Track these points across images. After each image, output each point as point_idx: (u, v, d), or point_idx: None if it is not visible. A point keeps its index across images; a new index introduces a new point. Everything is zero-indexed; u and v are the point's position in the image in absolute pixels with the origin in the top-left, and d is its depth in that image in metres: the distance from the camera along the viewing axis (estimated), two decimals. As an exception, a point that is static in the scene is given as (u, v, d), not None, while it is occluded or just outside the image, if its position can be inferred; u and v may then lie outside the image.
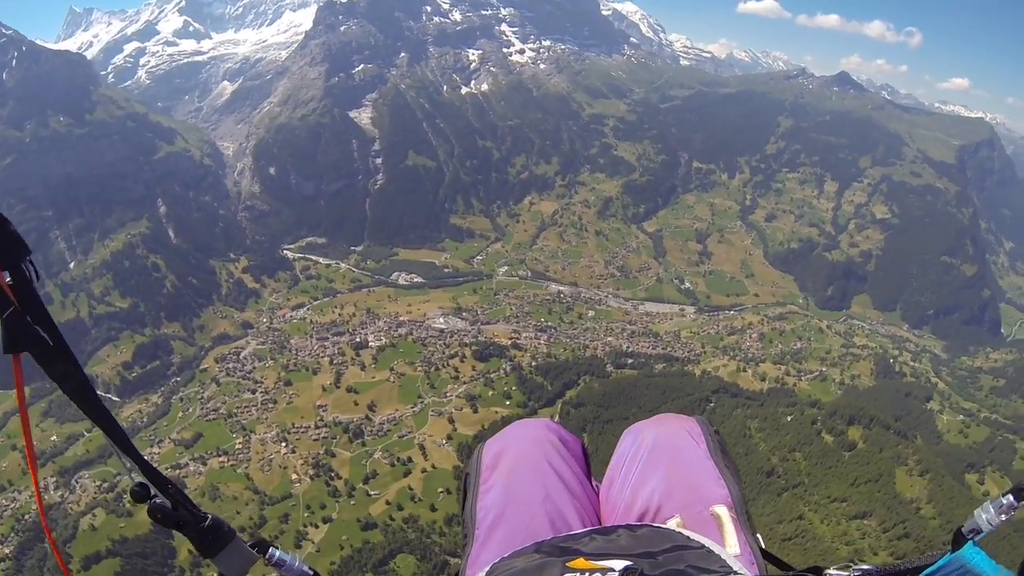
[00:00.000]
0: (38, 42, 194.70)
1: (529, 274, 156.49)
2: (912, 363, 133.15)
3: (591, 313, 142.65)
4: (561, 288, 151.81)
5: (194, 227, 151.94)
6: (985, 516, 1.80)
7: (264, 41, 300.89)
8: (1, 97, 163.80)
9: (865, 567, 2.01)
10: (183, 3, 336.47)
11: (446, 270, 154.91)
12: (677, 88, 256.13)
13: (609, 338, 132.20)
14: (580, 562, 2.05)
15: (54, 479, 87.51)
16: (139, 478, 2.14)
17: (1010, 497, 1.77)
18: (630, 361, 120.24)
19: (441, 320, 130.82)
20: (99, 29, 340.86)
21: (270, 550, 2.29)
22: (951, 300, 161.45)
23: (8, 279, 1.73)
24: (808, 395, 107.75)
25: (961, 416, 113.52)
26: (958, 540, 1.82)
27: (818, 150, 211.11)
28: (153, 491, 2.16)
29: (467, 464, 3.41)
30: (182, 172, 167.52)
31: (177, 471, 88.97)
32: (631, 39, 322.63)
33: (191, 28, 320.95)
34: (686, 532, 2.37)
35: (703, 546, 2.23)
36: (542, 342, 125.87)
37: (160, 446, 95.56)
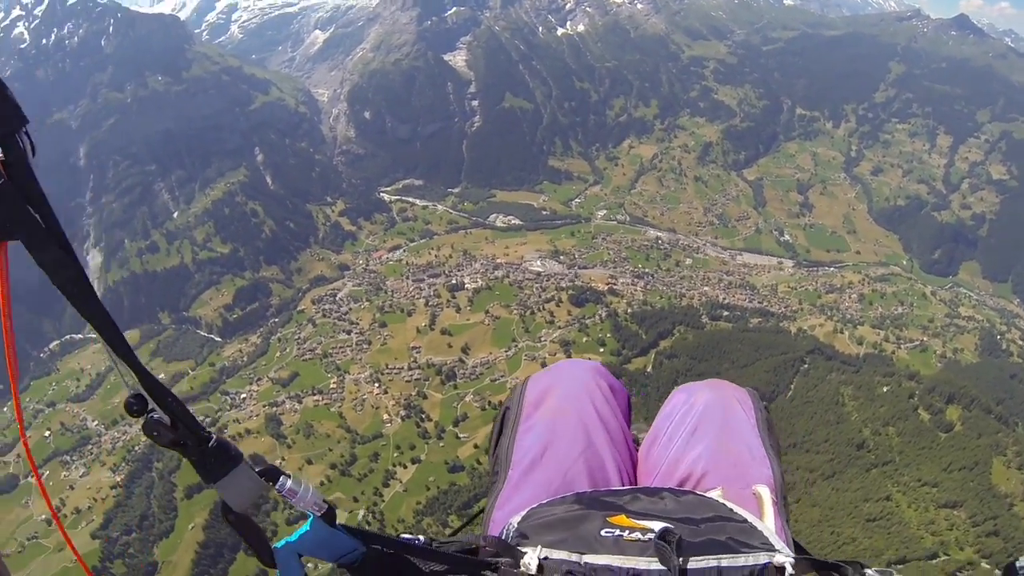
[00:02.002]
0: (133, 8, 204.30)
1: (627, 218, 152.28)
2: (1021, 342, 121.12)
3: (688, 261, 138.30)
4: (659, 234, 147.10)
5: (291, 173, 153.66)
6: None
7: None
8: (101, 63, 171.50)
9: None
10: None
11: (544, 212, 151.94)
12: (780, 29, 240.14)
13: (705, 288, 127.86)
14: (621, 518, 2.07)
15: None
16: (137, 389, 1.75)
17: None
18: (725, 313, 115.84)
19: (538, 263, 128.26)
20: None
21: (280, 479, 1.86)
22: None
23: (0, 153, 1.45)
24: (907, 365, 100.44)
25: None
26: (1010, 573, 1.76)
27: (932, 100, 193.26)
28: (151, 404, 1.75)
29: (508, 398, 3.25)
30: (277, 120, 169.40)
31: (274, 408, 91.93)
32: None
33: None
34: (730, 504, 2.36)
35: (746, 520, 2.22)
36: (639, 288, 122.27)
37: (258, 384, 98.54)
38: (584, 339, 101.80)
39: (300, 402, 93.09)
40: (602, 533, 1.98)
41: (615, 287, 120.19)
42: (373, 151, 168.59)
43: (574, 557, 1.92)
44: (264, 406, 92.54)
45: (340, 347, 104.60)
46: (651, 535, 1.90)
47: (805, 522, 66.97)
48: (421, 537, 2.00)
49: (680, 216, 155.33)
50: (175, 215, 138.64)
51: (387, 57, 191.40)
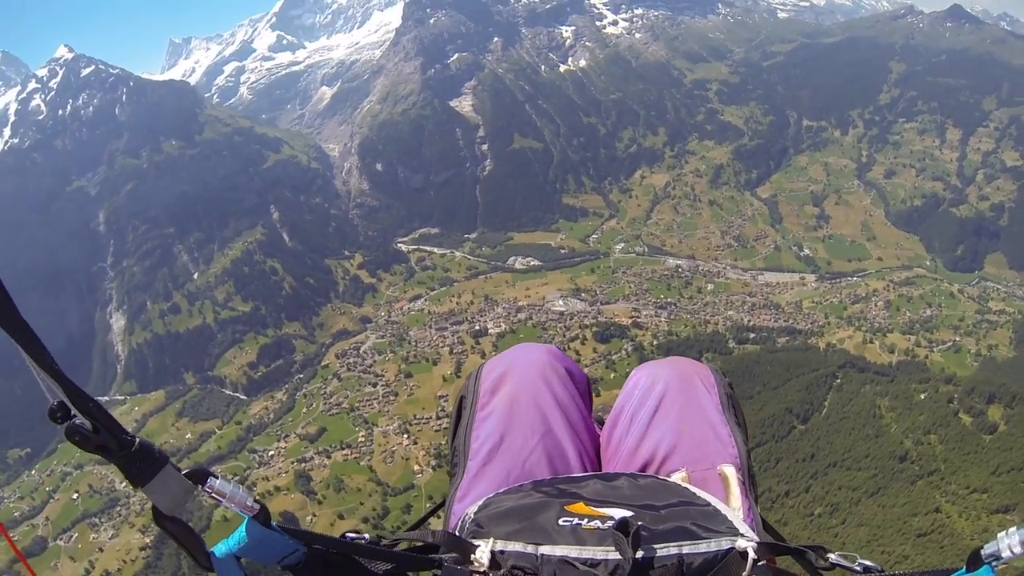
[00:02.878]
0: (144, 75, 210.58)
1: (646, 249, 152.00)
2: None
3: (710, 286, 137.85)
4: (679, 262, 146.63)
5: (307, 229, 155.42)
6: (1007, 542, 1.68)
7: (357, 43, 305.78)
8: (116, 130, 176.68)
9: (868, 563, 1.94)
10: (274, 19, 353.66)
11: (562, 251, 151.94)
12: (778, 43, 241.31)
13: (730, 312, 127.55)
14: (580, 506, 2.03)
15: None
16: (59, 397, 1.73)
17: None
18: (752, 335, 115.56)
19: (560, 302, 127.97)
20: (199, 55, 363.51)
21: (209, 480, 1.84)
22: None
23: None
24: (942, 368, 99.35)
25: None
26: (975, 561, 1.75)
27: (936, 95, 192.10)
28: (73, 411, 1.71)
29: (463, 386, 3.19)
30: (291, 178, 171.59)
31: (302, 465, 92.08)
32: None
33: (284, 41, 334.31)
34: (692, 488, 2.32)
35: (709, 504, 2.18)
36: (663, 319, 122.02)
37: (286, 441, 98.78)
38: (612, 375, 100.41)
39: (329, 457, 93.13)
40: (560, 522, 1.92)
41: (639, 320, 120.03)
42: (387, 202, 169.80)
43: (529, 549, 1.87)
44: (293, 463, 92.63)
45: (367, 400, 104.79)
46: (611, 523, 1.86)
47: (853, 544, 65.05)
48: (367, 535, 1.97)
49: (698, 242, 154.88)
50: (195, 276, 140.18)
51: (394, 108, 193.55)
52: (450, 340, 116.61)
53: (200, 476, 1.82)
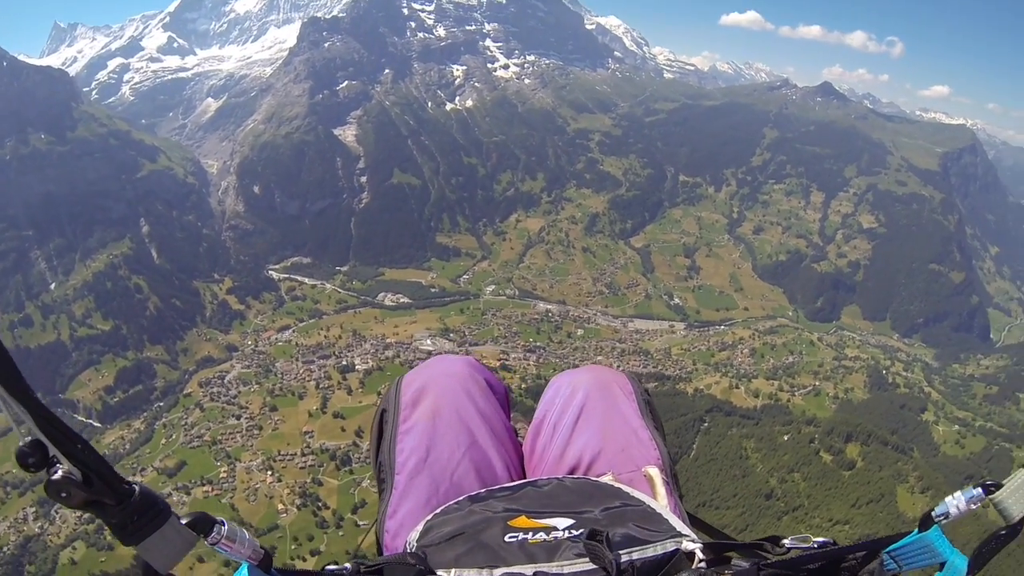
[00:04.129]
0: (20, 57, 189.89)
1: (516, 293, 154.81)
2: (905, 373, 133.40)
3: (580, 332, 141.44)
4: (549, 307, 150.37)
5: (177, 247, 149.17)
6: (954, 503, 1.92)
7: (249, 58, 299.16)
8: None
9: (822, 539, 1.98)
10: (168, 19, 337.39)
11: (433, 290, 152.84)
12: (662, 101, 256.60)
13: (599, 357, 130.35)
14: (522, 520, 1.99)
15: (33, 509, 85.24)
16: (34, 435, 1.32)
17: (979, 490, 1.85)
18: None
19: (428, 341, 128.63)
20: (83, 44, 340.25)
21: (215, 528, 1.59)
22: (940, 307, 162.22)
23: None
24: (803, 411, 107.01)
25: (956, 426, 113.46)
26: (926, 522, 1.93)
27: (804, 160, 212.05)
28: (53, 453, 1.32)
29: (382, 399, 3.17)
30: (165, 191, 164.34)
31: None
32: (615, 53, 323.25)
33: (175, 44, 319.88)
34: (624, 487, 2.31)
35: (643, 503, 2.18)
36: (531, 363, 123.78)
37: (143, 474, 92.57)
38: None
39: (188, 493, 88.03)
40: (506, 539, 1.88)
41: (507, 362, 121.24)
42: (262, 227, 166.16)
43: (485, 573, 1.78)
44: None
45: (230, 433, 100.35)
46: (555, 534, 1.86)
47: None
48: (348, 565, 1.86)
49: (569, 287, 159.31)
50: (52, 286, 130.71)
51: (278, 130, 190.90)
52: (317, 374, 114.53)
53: (205, 525, 1.58)
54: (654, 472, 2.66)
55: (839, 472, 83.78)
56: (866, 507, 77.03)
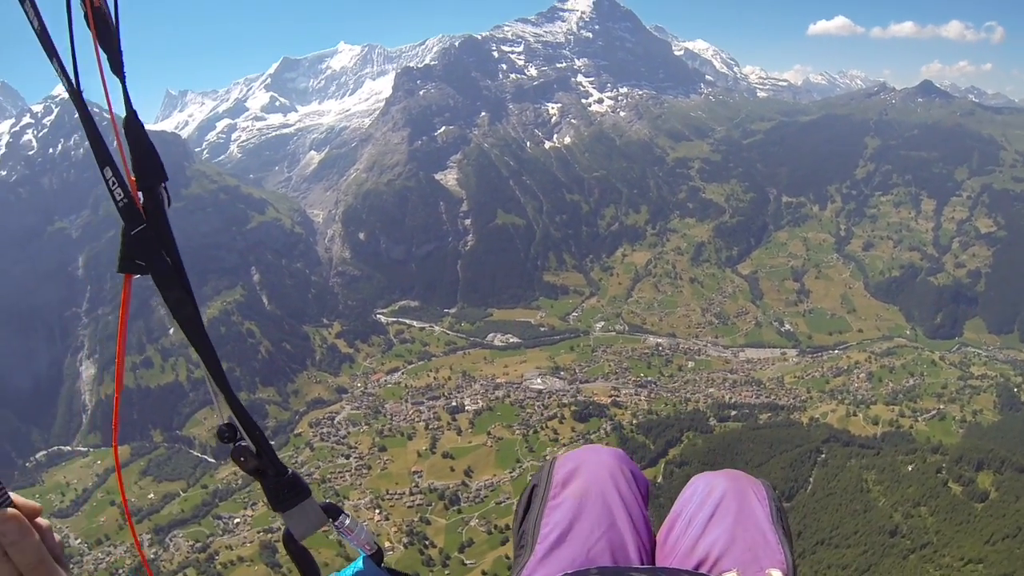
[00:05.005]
0: None
1: (626, 328, 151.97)
2: None
3: (691, 364, 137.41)
4: (659, 340, 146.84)
5: (287, 293, 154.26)
6: None
7: (347, 110, 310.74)
8: None
9: None
10: (269, 80, 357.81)
11: (542, 329, 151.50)
12: (758, 121, 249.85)
13: (711, 389, 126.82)
14: None
15: (149, 536, 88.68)
16: (229, 419, 2.10)
17: None
18: (733, 413, 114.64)
19: (539, 380, 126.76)
20: (193, 109, 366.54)
21: (341, 516, 2.29)
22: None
23: (142, 200, 1.88)
24: (927, 438, 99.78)
25: None
26: None
27: (910, 167, 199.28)
28: (240, 434, 2.10)
29: (535, 476, 3.43)
30: (274, 240, 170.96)
31: (269, 535, 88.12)
32: (706, 77, 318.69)
33: (277, 103, 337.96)
34: None
35: None
36: (642, 398, 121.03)
37: (253, 508, 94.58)
38: None
39: None
40: None
41: (618, 399, 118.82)
42: (368, 272, 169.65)
43: None
44: (259, 532, 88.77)
45: (339, 472, 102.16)
46: None
47: None
48: None
49: (679, 320, 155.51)
50: (171, 331, 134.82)
51: (380, 177, 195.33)
52: (426, 415, 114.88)
53: (334, 512, 2.23)
54: (776, 575, 2.71)
55: (970, 504, 76.11)
56: (1002, 543, 68.68)
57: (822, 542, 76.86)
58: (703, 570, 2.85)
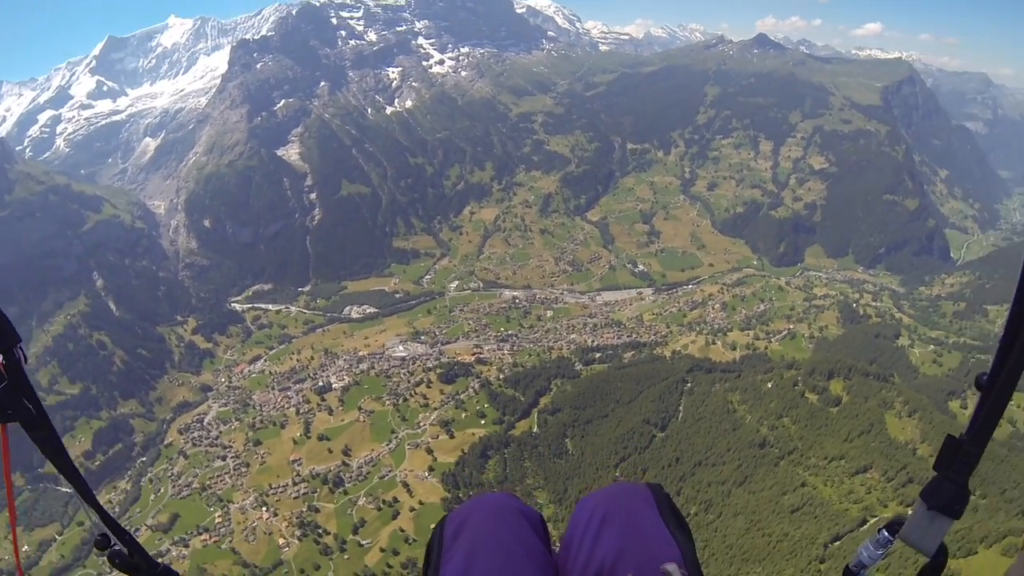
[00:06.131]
0: None
1: (481, 285, 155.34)
2: (874, 303, 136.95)
3: (549, 313, 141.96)
4: (515, 293, 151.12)
5: (135, 295, 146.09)
6: (866, 552, 1.98)
7: (182, 90, 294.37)
8: None
9: None
10: (94, 63, 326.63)
11: (397, 295, 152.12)
12: (600, 74, 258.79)
13: (572, 335, 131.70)
14: None
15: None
16: (103, 529, 2.53)
17: (885, 532, 1.92)
18: (598, 355, 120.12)
19: (400, 348, 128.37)
20: (10, 102, 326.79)
21: None
22: (899, 235, 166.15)
23: (1, 359, 2.23)
24: (782, 356, 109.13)
25: (932, 346, 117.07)
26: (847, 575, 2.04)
27: (748, 112, 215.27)
28: (113, 540, 2.55)
29: (429, 539, 3.44)
30: (114, 240, 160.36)
31: (159, 559, 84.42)
32: (548, 33, 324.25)
33: (105, 87, 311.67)
34: None
35: None
36: (506, 352, 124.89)
37: (137, 535, 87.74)
38: (463, 415, 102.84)
39: (187, 546, 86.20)
40: None
41: (482, 356, 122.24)
42: (218, 260, 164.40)
43: None
44: (153, 555, 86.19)
45: (217, 475, 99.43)
46: None
47: (735, 533, 69.24)
48: None
49: (532, 271, 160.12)
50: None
51: (221, 159, 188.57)
52: (295, 400, 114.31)
53: None
54: (673, 568, 2.76)
55: (826, 410, 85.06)
56: (858, 439, 78.11)
57: (700, 463, 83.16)
58: None
